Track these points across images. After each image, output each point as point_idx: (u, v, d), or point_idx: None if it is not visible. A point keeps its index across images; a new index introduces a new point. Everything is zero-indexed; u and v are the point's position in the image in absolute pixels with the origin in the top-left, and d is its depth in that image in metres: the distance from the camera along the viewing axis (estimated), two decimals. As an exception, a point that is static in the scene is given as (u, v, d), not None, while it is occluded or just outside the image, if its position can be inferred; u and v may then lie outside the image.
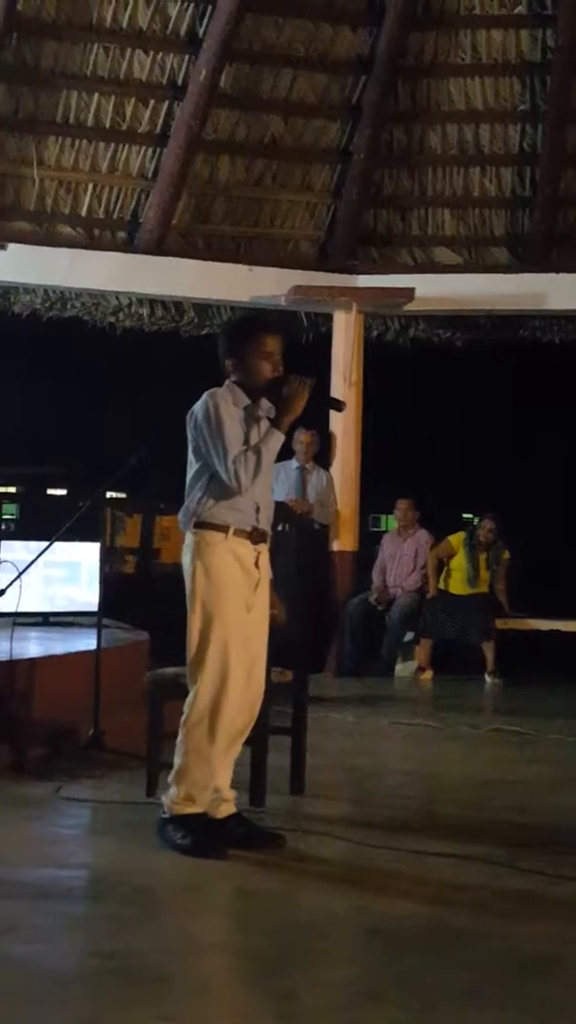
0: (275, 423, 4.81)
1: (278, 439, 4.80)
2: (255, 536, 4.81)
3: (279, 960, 3.61)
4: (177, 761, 4.71)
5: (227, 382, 4.87)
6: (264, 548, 4.86)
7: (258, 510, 4.82)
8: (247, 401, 4.83)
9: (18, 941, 3.65)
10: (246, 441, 4.76)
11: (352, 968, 3.66)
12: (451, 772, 6.76)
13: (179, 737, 4.72)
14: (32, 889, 4.15)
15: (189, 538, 4.80)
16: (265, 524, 4.86)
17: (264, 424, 4.84)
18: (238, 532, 4.76)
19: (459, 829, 5.27)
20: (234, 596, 4.72)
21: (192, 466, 4.85)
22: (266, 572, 4.88)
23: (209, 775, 4.70)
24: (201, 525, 4.76)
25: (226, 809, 4.83)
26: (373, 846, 4.81)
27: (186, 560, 4.79)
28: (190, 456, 4.87)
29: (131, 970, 3.46)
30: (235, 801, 4.88)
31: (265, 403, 4.89)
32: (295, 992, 3.36)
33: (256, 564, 4.81)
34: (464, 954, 3.69)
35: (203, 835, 4.65)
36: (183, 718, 4.72)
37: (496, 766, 6.87)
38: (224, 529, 4.74)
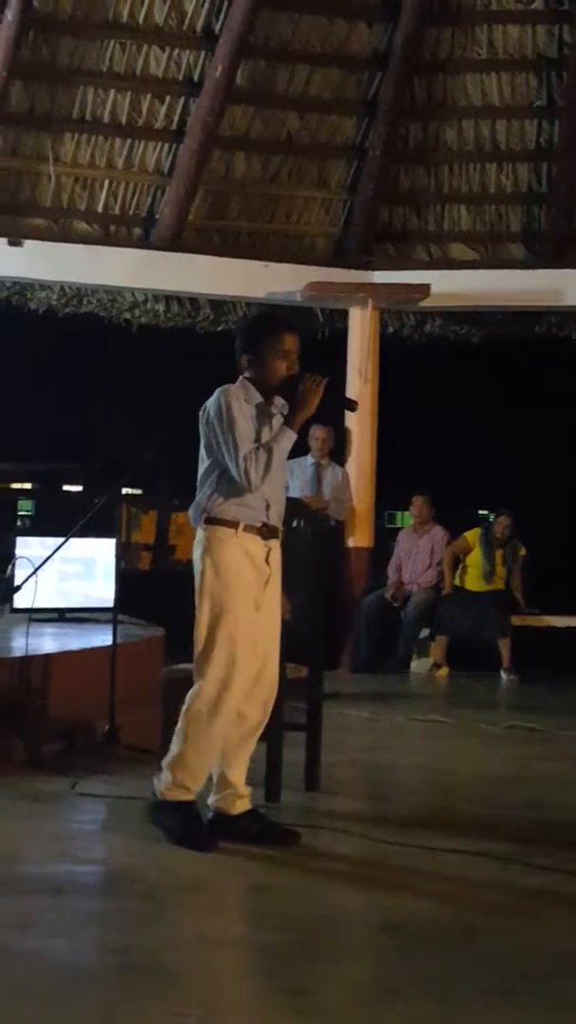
0: (288, 421, 4.81)
1: (290, 437, 4.80)
2: (265, 532, 4.81)
3: (294, 956, 3.61)
4: (174, 749, 4.73)
5: (240, 378, 4.88)
6: (275, 544, 4.86)
7: (268, 507, 4.82)
8: (260, 398, 4.84)
9: (33, 936, 3.66)
10: (258, 438, 4.77)
11: (367, 964, 3.66)
12: (466, 769, 6.75)
13: (179, 725, 4.74)
14: (47, 884, 4.16)
15: (200, 534, 4.81)
16: (276, 520, 4.87)
17: (277, 421, 4.85)
18: (248, 528, 4.76)
19: (474, 826, 5.27)
20: (243, 593, 4.73)
21: (203, 462, 4.86)
22: (277, 569, 4.87)
23: (204, 766, 4.73)
24: (211, 521, 4.76)
25: (241, 805, 4.84)
26: (388, 842, 4.81)
27: (196, 555, 4.80)
28: (201, 452, 4.87)
29: (146, 966, 3.47)
30: (250, 797, 4.89)
31: (278, 400, 4.89)
32: (310, 988, 3.36)
33: (267, 560, 4.82)
34: (480, 951, 3.69)
35: (193, 824, 4.70)
36: (184, 708, 4.74)
37: (511, 763, 6.86)
38: (234, 525, 4.74)
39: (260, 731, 4.91)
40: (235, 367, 4.92)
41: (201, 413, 4.84)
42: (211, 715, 4.67)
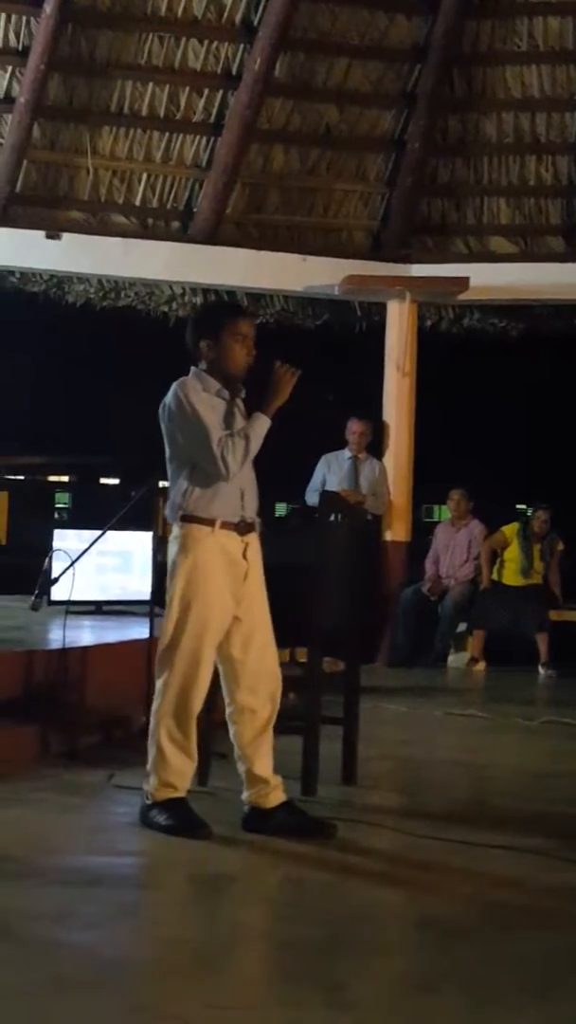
0: (261, 408, 4.83)
1: (264, 424, 4.82)
2: (242, 527, 4.80)
3: (329, 950, 3.60)
4: (152, 751, 4.76)
5: (193, 370, 4.89)
6: (253, 538, 4.85)
7: (243, 496, 4.82)
8: (217, 385, 4.85)
9: (72, 928, 3.66)
10: (228, 427, 4.79)
11: (403, 959, 3.65)
12: (504, 763, 6.73)
13: (151, 727, 4.77)
14: (85, 876, 4.17)
15: (176, 531, 4.81)
16: (251, 511, 4.86)
17: (240, 407, 4.87)
18: (225, 525, 4.76)
19: (512, 821, 5.24)
20: (216, 592, 4.73)
21: (171, 459, 4.86)
22: (256, 562, 4.86)
23: (186, 761, 4.75)
24: (187, 519, 4.76)
25: (275, 797, 4.84)
26: (425, 837, 4.79)
27: (171, 552, 4.81)
28: (167, 450, 4.87)
29: (182, 958, 3.47)
30: (283, 787, 4.88)
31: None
32: (345, 982, 3.35)
33: (244, 555, 4.81)
34: (517, 947, 3.67)
35: (185, 816, 4.71)
36: (154, 707, 4.77)
37: (549, 758, 6.83)
38: (211, 523, 4.74)
39: (272, 723, 4.91)
40: (192, 357, 4.92)
41: (161, 411, 4.85)
42: (182, 711, 4.70)
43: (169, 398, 4.82)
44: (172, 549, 4.81)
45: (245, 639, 4.81)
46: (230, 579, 4.77)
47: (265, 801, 4.82)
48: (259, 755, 4.84)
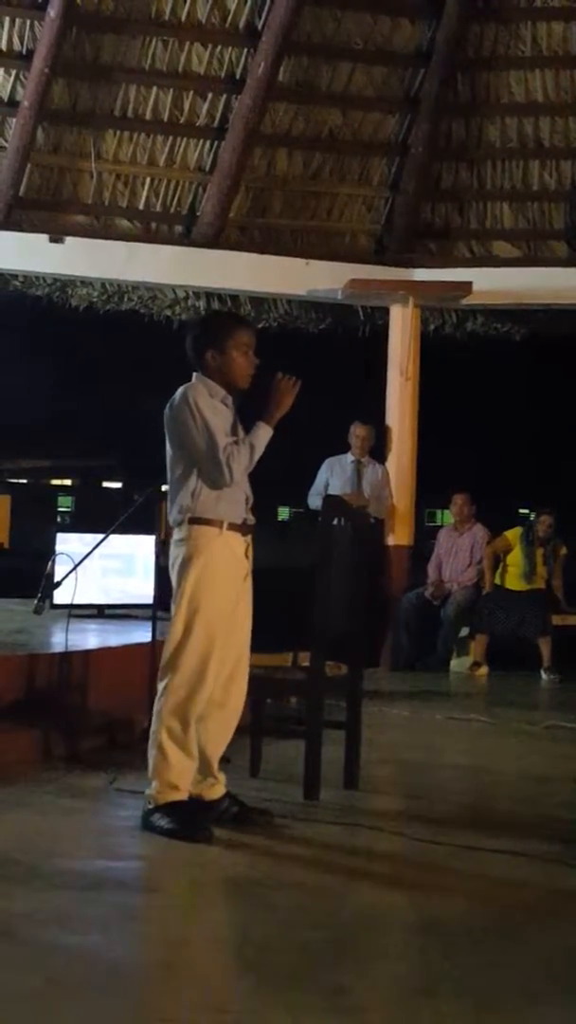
0: (263, 418, 4.92)
1: (266, 433, 4.92)
2: (245, 528, 4.90)
3: (332, 954, 3.60)
4: (154, 753, 4.79)
5: (197, 375, 4.96)
6: (250, 539, 4.94)
7: (248, 501, 4.93)
8: (223, 392, 4.92)
9: (73, 932, 3.66)
10: (233, 433, 4.85)
11: (405, 964, 3.64)
12: (506, 768, 6.72)
13: (153, 727, 4.80)
14: (87, 880, 4.17)
15: (182, 532, 4.84)
16: (251, 514, 4.96)
17: (233, 414, 4.94)
18: (232, 526, 4.85)
19: (514, 825, 5.24)
20: (225, 591, 4.81)
21: (176, 462, 4.90)
22: (250, 562, 4.95)
23: (187, 760, 4.79)
24: (196, 521, 4.82)
25: (219, 790, 4.94)
26: (427, 841, 4.79)
27: (180, 554, 4.84)
28: (169, 453, 4.92)
29: (183, 962, 3.46)
30: (224, 782, 4.96)
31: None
32: (348, 987, 3.35)
33: (246, 555, 4.91)
34: (520, 951, 3.66)
35: (189, 819, 4.73)
36: (157, 708, 4.79)
37: (552, 762, 6.82)
38: (219, 524, 4.82)
39: (238, 717, 4.97)
40: (193, 364, 4.98)
41: (167, 414, 4.90)
42: (186, 712, 4.74)
43: (178, 402, 4.88)
44: (179, 551, 4.84)
45: (235, 637, 4.88)
46: (234, 580, 4.85)
47: (211, 793, 4.93)
48: (220, 749, 4.94)
